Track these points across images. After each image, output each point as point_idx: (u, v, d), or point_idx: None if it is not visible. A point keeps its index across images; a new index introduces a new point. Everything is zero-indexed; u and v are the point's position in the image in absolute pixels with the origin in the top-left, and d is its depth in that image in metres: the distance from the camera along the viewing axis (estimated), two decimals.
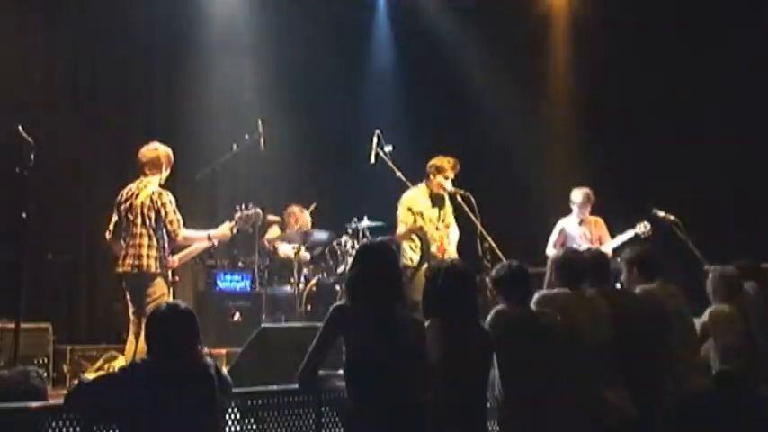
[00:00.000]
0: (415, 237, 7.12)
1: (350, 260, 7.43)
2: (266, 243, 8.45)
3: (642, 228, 7.72)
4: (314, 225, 8.70)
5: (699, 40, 9.58)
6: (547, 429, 4.27)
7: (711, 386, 5.07)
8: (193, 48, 9.73)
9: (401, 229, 7.16)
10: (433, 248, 7.04)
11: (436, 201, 7.28)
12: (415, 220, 7.10)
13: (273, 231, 8.66)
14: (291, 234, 8.37)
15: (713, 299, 5.44)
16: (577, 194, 7.99)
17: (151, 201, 6.05)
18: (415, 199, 7.22)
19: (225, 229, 6.48)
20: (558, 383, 4.34)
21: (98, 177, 8.98)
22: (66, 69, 9.02)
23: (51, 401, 4.31)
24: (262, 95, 9.73)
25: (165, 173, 6.29)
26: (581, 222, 8.03)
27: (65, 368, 7.43)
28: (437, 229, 7.15)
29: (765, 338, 5.52)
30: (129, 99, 9.44)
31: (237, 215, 6.58)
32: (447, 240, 7.19)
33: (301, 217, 8.64)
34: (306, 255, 8.35)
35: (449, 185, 7.20)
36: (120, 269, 6.11)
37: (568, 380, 4.38)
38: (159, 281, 6.05)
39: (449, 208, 7.34)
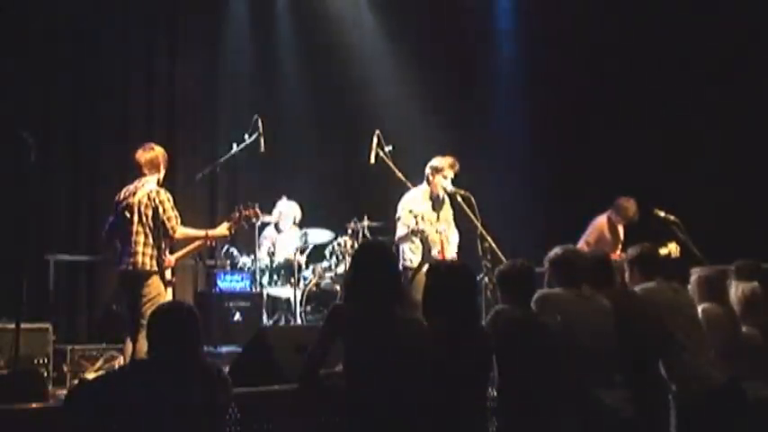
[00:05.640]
0: (414, 238, 7.08)
1: (350, 260, 7.44)
2: (267, 243, 8.42)
3: (673, 248, 7.72)
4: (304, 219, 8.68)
5: (698, 36, 9.56)
6: (546, 429, 4.27)
7: (713, 388, 5.05)
8: (193, 46, 9.74)
9: (401, 232, 7.12)
10: (434, 252, 7.00)
11: (436, 202, 7.26)
12: (416, 223, 7.03)
13: (270, 232, 8.64)
14: (290, 233, 8.37)
15: (696, 299, 5.43)
16: (631, 205, 7.99)
17: (149, 198, 6.04)
18: (415, 200, 7.19)
19: (223, 230, 6.48)
20: (558, 384, 4.34)
21: (98, 177, 8.99)
22: (66, 68, 9.02)
23: (51, 401, 4.32)
24: (261, 95, 9.74)
25: (163, 173, 6.30)
26: (613, 228, 8.04)
27: (65, 368, 7.41)
28: (437, 231, 7.11)
29: (766, 339, 5.53)
30: (130, 99, 9.45)
31: (236, 214, 6.59)
32: (447, 243, 7.14)
33: (285, 206, 8.61)
34: (300, 258, 8.32)
35: (449, 185, 7.17)
36: (116, 267, 6.12)
37: (568, 380, 4.38)
38: (154, 280, 6.03)
39: (448, 210, 7.31)
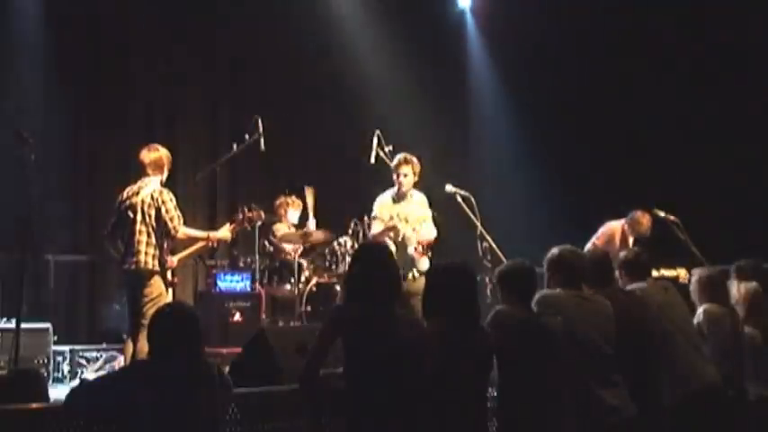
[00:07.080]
0: (388, 239, 7.07)
1: (349, 260, 7.43)
2: (276, 241, 8.38)
3: (683, 273, 7.68)
4: (315, 209, 8.67)
5: (689, 34, 9.56)
6: (546, 430, 4.27)
7: (712, 386, 5.06)
8: (193, 46, 9.74)
9: (375, 229, 7.16)
10: (410, 250, 7.00)
11: (401, 200, 7.24)
12: (391, 218, 7.06)
13: (281, 229, 8.60)
14: (292, 235, 8.36)
15: (698, 300, 5.45)
16: (645, 221, 7.88)
17: (152, 198, 6.07)
18: (385, 201, 7.26)
19: (225, 232, 6.51)
20: (558, 384, 4.34)
21: (99, 177, 9.00)
22: (66, 69, 9.03)
23: (51, 401, 4.32)
24: (260, 94, 9.74)
25: (166, 174, 6.31)
26: (624, 238, 7.99)
27: (65, 368, 7.43)
28: (414, 230, 7.11)
29: (766, 339, 5.53)
30: (130, 99, 9.45)
31: (240, 216, 6.60)
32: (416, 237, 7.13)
33: (293, 201, 8.60)
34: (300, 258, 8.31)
35: (406, 182, 7.14)
36: (119, 267, 6.13)
37: (568, 380, 4.38)
38: (156, 279, 6.04)
39: (417, 206, 7.25)
